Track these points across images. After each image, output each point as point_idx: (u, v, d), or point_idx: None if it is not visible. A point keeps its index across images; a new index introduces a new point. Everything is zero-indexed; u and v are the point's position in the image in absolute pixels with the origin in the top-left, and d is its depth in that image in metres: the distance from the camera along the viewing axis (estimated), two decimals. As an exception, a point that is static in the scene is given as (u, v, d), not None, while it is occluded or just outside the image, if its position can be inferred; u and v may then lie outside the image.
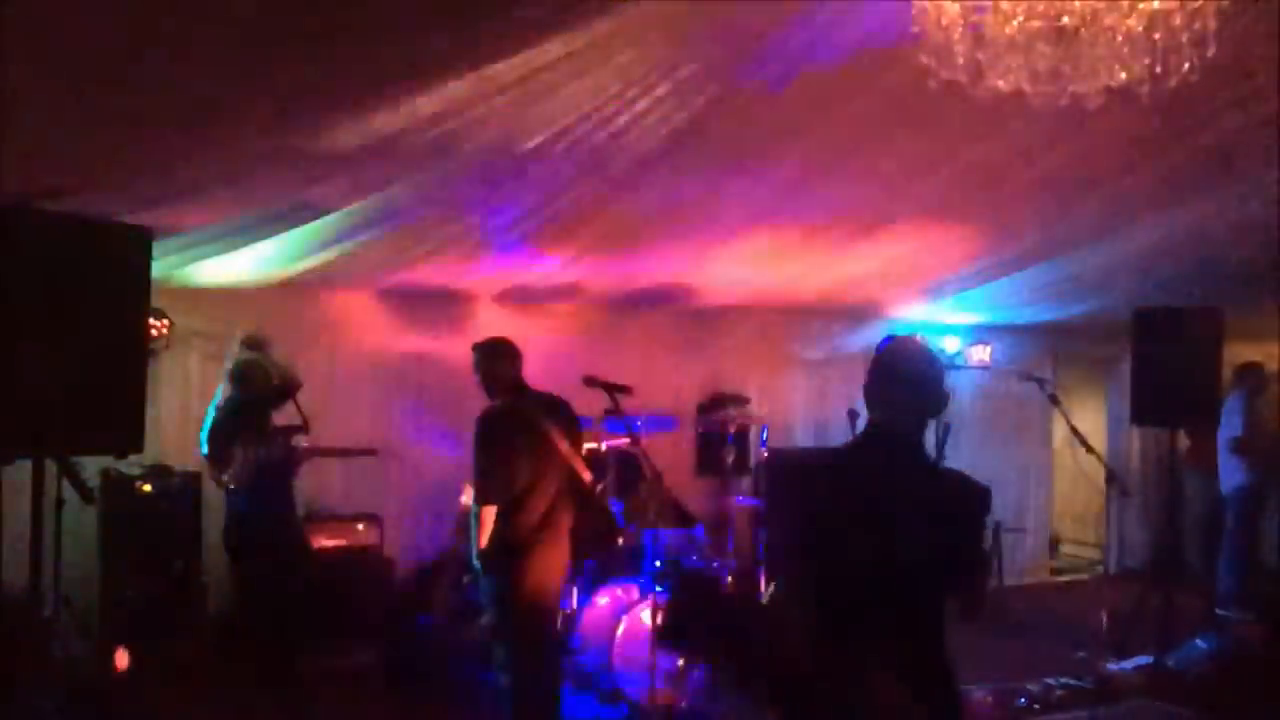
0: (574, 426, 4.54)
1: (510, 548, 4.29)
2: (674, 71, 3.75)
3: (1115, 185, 5.25)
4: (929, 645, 2.63)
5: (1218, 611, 7.36)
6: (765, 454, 6.97)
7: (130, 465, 5.32)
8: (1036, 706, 5.35)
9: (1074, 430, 5.65)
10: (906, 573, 2.51)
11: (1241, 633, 6.52)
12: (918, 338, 2.92)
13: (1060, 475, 9.22)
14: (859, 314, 8.03)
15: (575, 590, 5.66)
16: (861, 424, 2.79)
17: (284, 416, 5.28)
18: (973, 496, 2.66)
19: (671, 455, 7.07)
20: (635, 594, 5.52)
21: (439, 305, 6.79)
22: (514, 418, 4.39)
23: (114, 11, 2.73)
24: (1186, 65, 2.97)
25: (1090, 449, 5.68)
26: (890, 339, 2.87)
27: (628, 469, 6.00)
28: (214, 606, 5.91)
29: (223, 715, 5.25)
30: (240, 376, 5.19)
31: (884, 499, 2.59)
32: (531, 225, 5.34)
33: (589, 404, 5.14)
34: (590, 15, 3.18)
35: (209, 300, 6.10)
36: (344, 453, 5.81)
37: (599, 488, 5.03)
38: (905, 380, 2.71)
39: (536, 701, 4.46)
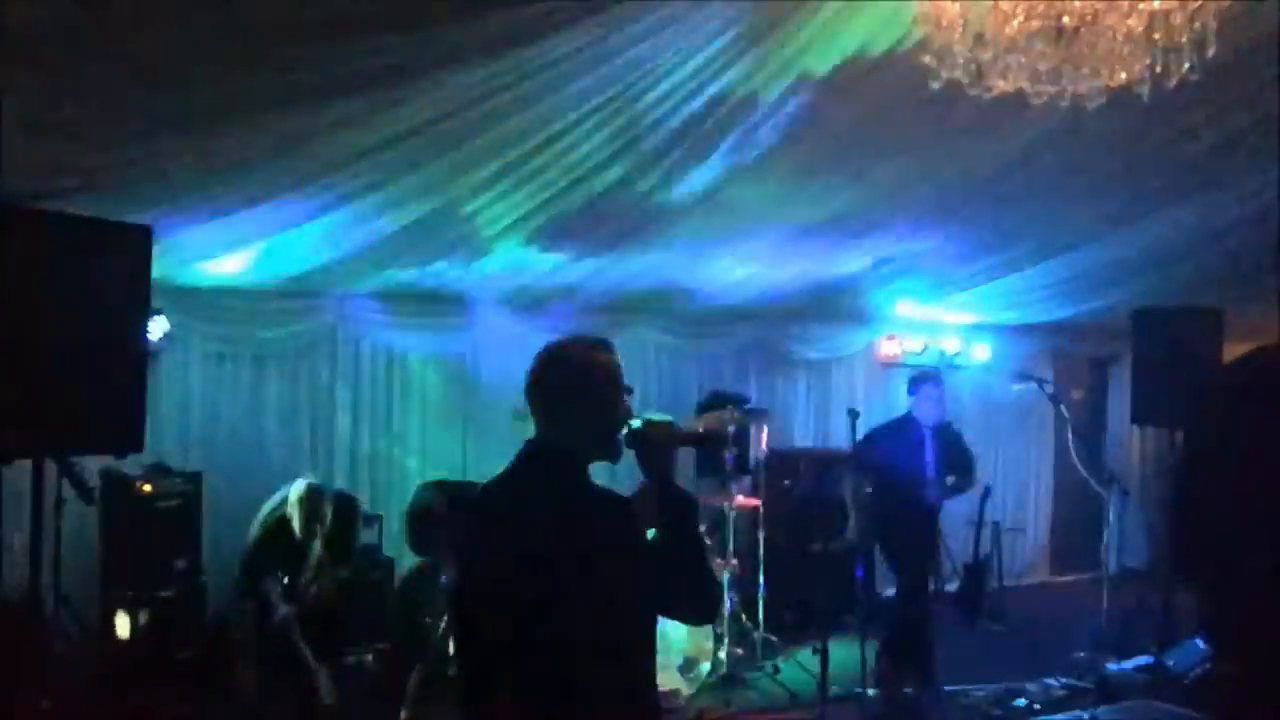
0: None
1: None
2: (673, 71, 3.75)
3: (1115, 185, 5.25)
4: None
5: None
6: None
7: (130, 465, 5.31)
8: (1036, 706, 5.35)
9: (1073, 430, 5.65)
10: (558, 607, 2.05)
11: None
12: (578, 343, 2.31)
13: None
14: (859, 314, 8.03)
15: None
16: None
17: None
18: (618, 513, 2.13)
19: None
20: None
21: (439, 305, 6.79)
22: None
23: (114, 11, 2.73)
24: (1186, 65, 2.97)
25: (1090, 449, 5.69)
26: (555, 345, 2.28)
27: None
28: (214, 607, 5.91)
29: (223, 716, 5.25)
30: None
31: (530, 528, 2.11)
32: (532, 225, 5.34)
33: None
34: (588, 15, 3.18)
35: (209, 300, 6.10)
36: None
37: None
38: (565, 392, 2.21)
39: None
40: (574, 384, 2.21)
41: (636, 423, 2.24)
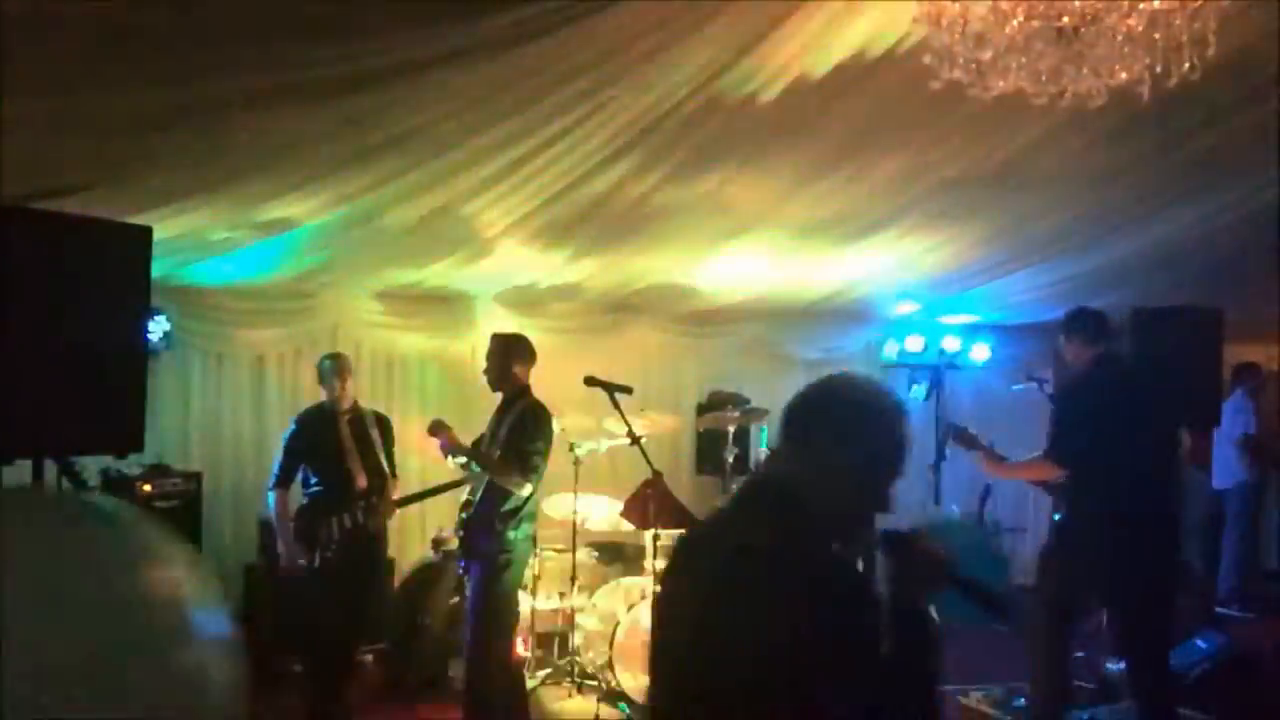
0: None
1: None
2: (673, 72, 3.75)
3: (1115, 185, 5.25)
4: None
5: (1218, 611, 7.36)
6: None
7: (130, 465, 5.31)
8: (1037, 706, 5.34)
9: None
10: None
11: (1241, 632, 6.51)
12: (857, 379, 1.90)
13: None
14: (859, 314, 8.03)
15: (576, 589, 5.67)
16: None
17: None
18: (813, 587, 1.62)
19: (671, 455, 7.07)
20: (635, 594, 5.52)
21: (439, 305, 6.79)
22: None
23: (114, 9, 2.73)
24: (1186, 65, 2.97)
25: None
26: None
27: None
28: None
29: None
30: None
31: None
32: (532, 225, 5.34)
33: (589, 404, 5.15)
34: (587, 15, 3.17)
35: (209, 300, 6.10)
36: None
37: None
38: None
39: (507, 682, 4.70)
40: (871, 429, 1.71)
41: (902, 527, 1.75)
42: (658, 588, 1.74)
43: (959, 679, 5.61)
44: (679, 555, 1.90)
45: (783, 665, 1.55)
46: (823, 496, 1.69)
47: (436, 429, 4.70)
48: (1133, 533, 4.25)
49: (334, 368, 5.07)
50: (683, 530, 1.79)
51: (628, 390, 4.56)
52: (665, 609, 1.85)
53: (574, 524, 5.59)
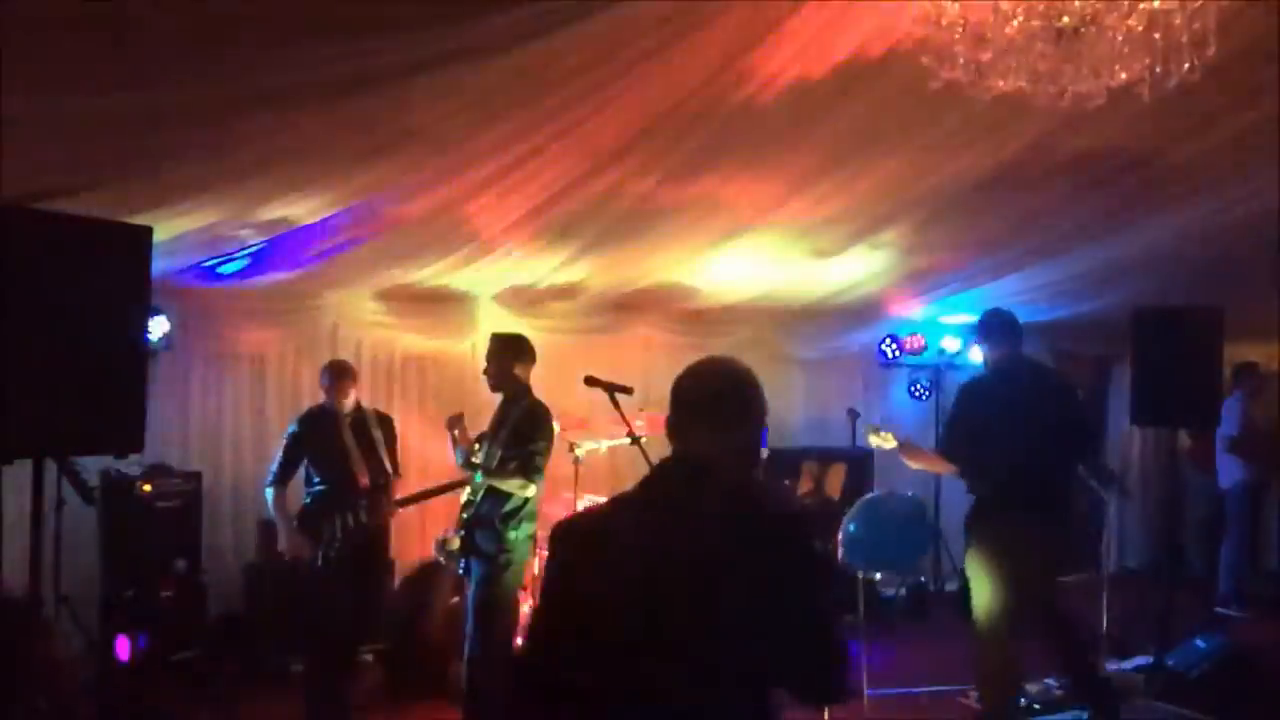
0: None
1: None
2: (673, 72, 3.75)
3: (1115, 185, 5.25)
4: None
5: (1218, 611, 7.37)
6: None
7: (130, 465, 5.31)
8: (1037, 706, 5.35)
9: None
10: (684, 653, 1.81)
11: (1241, 632, 6.53)
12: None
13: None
14: (859, 314, 8.03)
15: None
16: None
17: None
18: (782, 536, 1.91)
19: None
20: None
21: (439, 305, 6.79)
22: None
23: (115, 9, 2.73)
24: (1186, 65, 2.97)
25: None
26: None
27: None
28: (214, 607, 5.91)
29: (223, 715, 5.25)
30: None
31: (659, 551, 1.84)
32: (532, 225, 5.33)
33: (589, 404, 5.14)
34: (588, 14, 3.18)
35: (209, 300, 6.09)
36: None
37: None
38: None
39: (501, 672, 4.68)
40: (761, 407, 2.00)
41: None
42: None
43: (960, 679, 5.61)
44: (606, 536, 1.96)
45: (769, 616, 1.80)
46: (733, 468, 1.94)
47: (451, 424, 4.82)
48: (1022, 521, 4.47)
49: (333, 377, 5.11)
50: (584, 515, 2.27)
51: (628, 390, 4.55)
52: (613, 582, 1.86)
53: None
